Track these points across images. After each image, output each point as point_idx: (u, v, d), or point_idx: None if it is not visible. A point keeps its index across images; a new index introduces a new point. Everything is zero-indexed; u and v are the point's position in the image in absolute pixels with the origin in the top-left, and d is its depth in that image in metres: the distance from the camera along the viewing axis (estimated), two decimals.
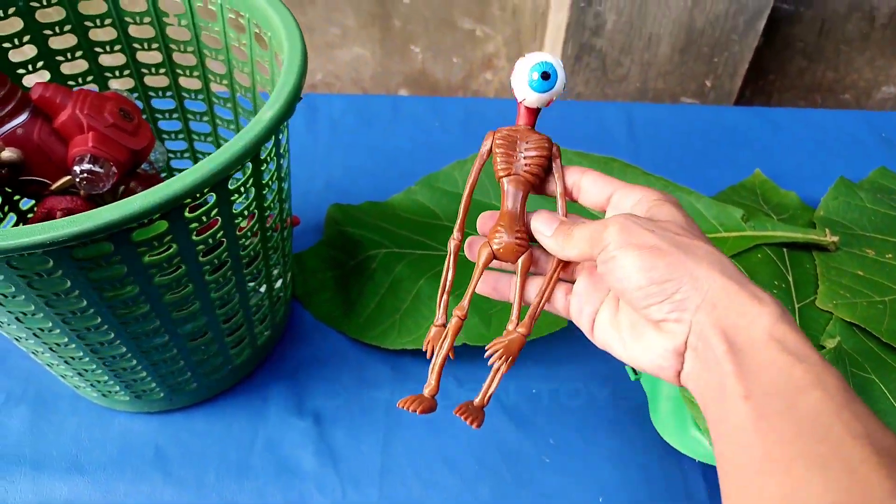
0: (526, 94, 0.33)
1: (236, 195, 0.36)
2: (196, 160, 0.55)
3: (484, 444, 0.47)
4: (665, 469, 0.46)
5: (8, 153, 0.39)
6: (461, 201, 0.35)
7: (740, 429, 0.27)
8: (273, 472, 0.46)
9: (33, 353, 0.42)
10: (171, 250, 0.34)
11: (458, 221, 0.35)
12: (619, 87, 0.82)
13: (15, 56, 0.45)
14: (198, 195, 0.33)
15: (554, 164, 0.35)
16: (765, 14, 0.75)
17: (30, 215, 0.50)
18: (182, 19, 0.46)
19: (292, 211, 0.61)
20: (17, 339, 0.40)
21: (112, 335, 0.38)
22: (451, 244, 0.35)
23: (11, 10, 0.43)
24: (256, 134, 0.32)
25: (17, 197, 0.49)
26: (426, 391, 0.35)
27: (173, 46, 0.47)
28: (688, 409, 0.43)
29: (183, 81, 0.50)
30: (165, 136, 0.53)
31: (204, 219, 0.34)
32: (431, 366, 0.35)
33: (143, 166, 0.44)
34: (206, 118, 0.52)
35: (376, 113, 0.71)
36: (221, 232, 0.36)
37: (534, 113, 0.34)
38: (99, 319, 0.36)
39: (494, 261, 0.35)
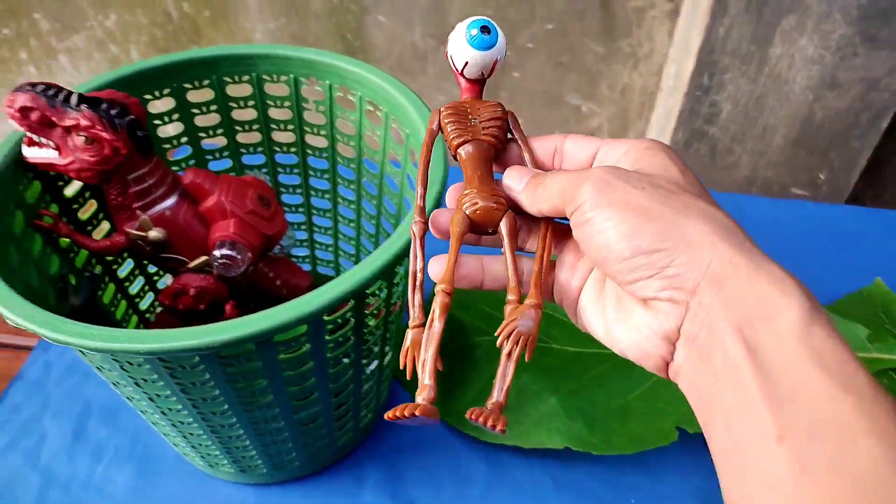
0: (467, 54, 0.29)
1: (370, 298, 0.36)
2: (311, 226, 0.56)
3: None
4: None
5: (155, 233, 0.41)
6: (417, 178, 0.30)
7: (774, 479, 0.21)
8: None
9: (153, 423, 0.43)
10: (304, 349, 0.35)
11: (418, 201, 0.30)
12: (728, 174, 0.81)
13: (162, 132, 0.48)
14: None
15: (513, 129, 0.31)
16: (890, 113, 0.73)
17: (155, 278, 0.53)
18: (320, 105, 0.47)
19: None
20: (142, 412, 0.42)
21: (234, 420, 0.39)
22: (415, 228, 0.29)
23: (167, 91, 0.46)
24: (397, 250, 0.33)
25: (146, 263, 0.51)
26: (421, 397, 0.26)
27: (307, 129, 0.49)
28: None
29: (311, 161, 0.52)
30: (287, 209, 0.55)
31: (339, 321, 0.35)
32: (421, 362, 0.27)
33: (273, 249, 0.46)
34: (328, 195, 0.53)
35: None
36: (351, 332, 0.37)
37: (478, 84, 0.30)
38: (226, 406, 0.37)
39: (477, 237, 0.30)
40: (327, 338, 0.36)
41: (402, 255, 0.33)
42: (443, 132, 0.30)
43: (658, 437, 0.47)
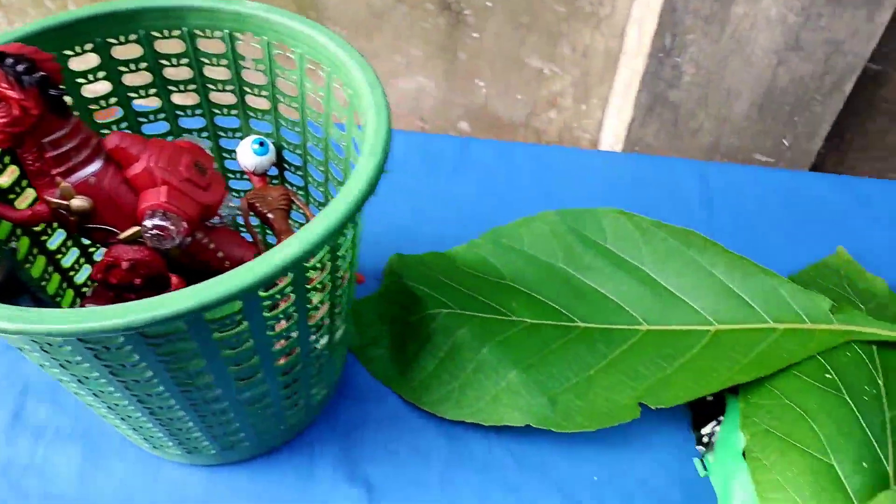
0: (253, 160, 0.46)
1: (312, 271, 0.34)
2: None
3: None
4: None
5: (78, 201, 0.37)
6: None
7: None
8: None
9: (88, 405, 0.40)
10: (241, 327, 0.33)
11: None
12: (692, 140, 0.79)
13: (88, 91, 0.44)
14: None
15: (296, 201, 0.46)
16: (854, 76, 0.72)
17: (92, 249, 0.49)
18: (259, 64, 0.44)
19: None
20: (75, 394, 0.39)
21: (173, 402, 0.36)
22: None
23: (89, 47, 0.42)
24: (340, 217, 0.30)
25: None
26: None
27: (247, 89, 0.46)
28: None
29: (254, 124, 0.48)
30: (231, 175, 0.52)
31: (278, 296, 0.33)
32: None
33: (213, 220, 0.42)
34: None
35: (440, 154, 0.69)
36: (294, 307, 0.34)
37: (264, 177, 0.48)
38: (161, 388, 0.35)
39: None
40: (267, 315, 0.33)
41: (345, 223, 0.31)
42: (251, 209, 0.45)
43: (621, 412, 0.45)
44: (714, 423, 0.48)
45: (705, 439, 0.48)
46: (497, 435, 0.49)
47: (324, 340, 0.42)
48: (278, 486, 0.46)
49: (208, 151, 0.43)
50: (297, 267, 0.30)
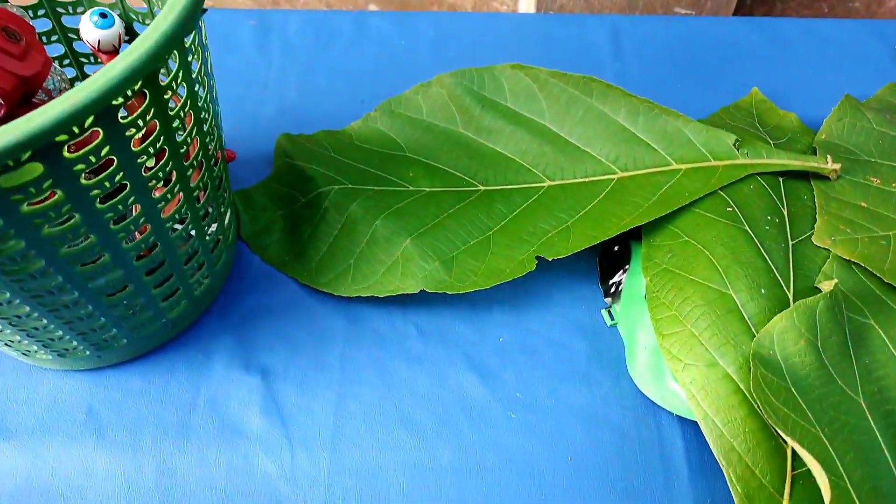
0: (95, 34, 0.39)
1: (133, 130, 0.30)
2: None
3: (445, 401, 0.43)
4: (640, 423, 0.42)
5: None
6: None
7: None
8: (216, 433, 0.42)
9: None
10: (55, 197, 0.29)
11: None
12: (606, 1, 0.75)
13: None
14: (76, 131, 0.27)
15: None
16: None
17: None
18: None
19: (230, 144, 0.55)
20: None
21: (8, 295, 0.33)
22: None
23: None
24: (139, 58, 0.26)
25: None
26: None
27: None
28: (665, 361, 0.39)
29: None
30: (84, 58, 0.47)
31: (92, 159, 0.29)
32: None
33: (39, 95, 0.38)
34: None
35: (336, 31, 0.64)
36: (121, 174, 0.31)
37: (114, 53, 0.40)
38: None
39: None
40: (85, 182, 0.30)
41: (154, 58, 0.27)
42: None
43: (516, 267, 0.43)
44: (620, 272, 0.47)
45: (612, 289, 0.47)
46: (400, 309, 0.47)
47: (194, 233, 0.39)
48: (170, 383, 0.44)
49: (27, 21, 0.38)
50: (101, 117, 0.26)
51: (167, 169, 0.34)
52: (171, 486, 0.40)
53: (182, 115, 0.33)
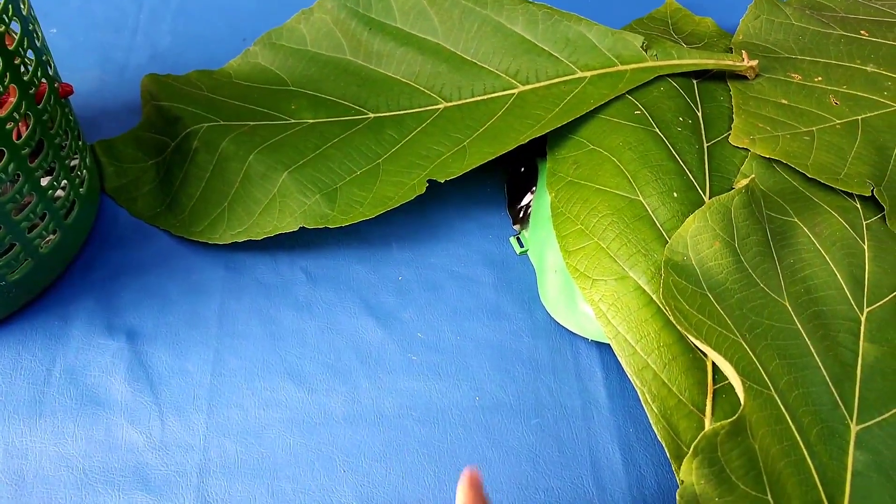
0: None
1: None
2: None
3: (337, 349, 0.38)
4: (555, 354, 0.38)
5: None
6: None
7: None
8: (74, 406, 0.37)
9: None
10: None
11: None
12: None
13: None
14: None
15: None
16: None
17: None
18: None
19: (96, 96, 0.49)
20: None
21: None
22: None
23: None
24: None
25: None
26: None
27: None
28: (573, 280, 0.35)
29: None
30: None
31: None
32: None
33: None
34: None
35: None
36: None
37: None
38: None
39: None
40: None
41: None
42: None
43: (405, 193, 0.39)
44: (528, 194, 0.42)
45: (521, 214, 0.42)
46: (286, 254, 0.42)
47: (27, 170, 0.34)
48: (21, 355, 0.38)
49: None
50: None
51: None
52: (20, 469, 0.35)
53: None
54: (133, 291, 0.40)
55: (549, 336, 0.39)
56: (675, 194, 0.36)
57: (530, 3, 0.44)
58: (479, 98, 0.43)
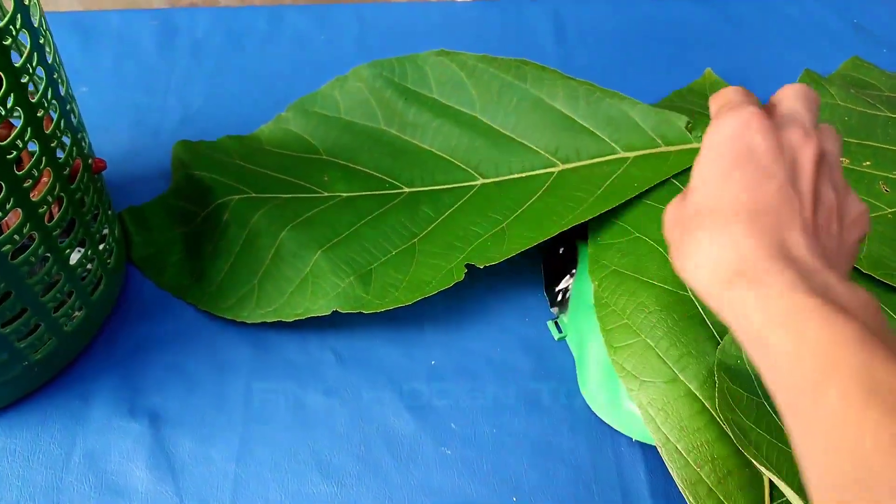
0: None
1: None
2: None
3: (367, 438, 0.37)
4: (596, 452, 0.36)
5: None
6: None
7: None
8: (93, 494, 0.35)
9: None
10: None
11: None
12: None
13: None
14: None
15: None
16: None
17: None
18: None
19: (126, 158, 0.49)
20: None
21: None
22: None
23: None
24: None
25: None
26: None
27: None
28: (619, 378, 0.33)
29: None
30: None
31: None
32: None
33: None
34: None
35: (249, 28, 0.58)
36: None
37: None
38: None
39: None
40: None
41: None
42: None
43: (443, 278, 0.37)
44: (567, 277, 0.41)
45: (559, 297, 0.41)
46: (315, 333, 0.40)
47: (58, 251, 0.33)
48: (40, 437, 0.37)
49: None
50: None
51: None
52: None
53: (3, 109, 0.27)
54: (157, 369, 0.39)
55: (589, 431, 0.37)
56: None
57: (571, 78, 0.44)
58: (517, 175, 0.42)
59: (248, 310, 0.39)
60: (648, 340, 0.33)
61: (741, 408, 0.30)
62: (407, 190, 0.43)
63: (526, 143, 0.43)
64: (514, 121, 0.44)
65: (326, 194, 0.43)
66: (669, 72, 0.55)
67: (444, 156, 0.44)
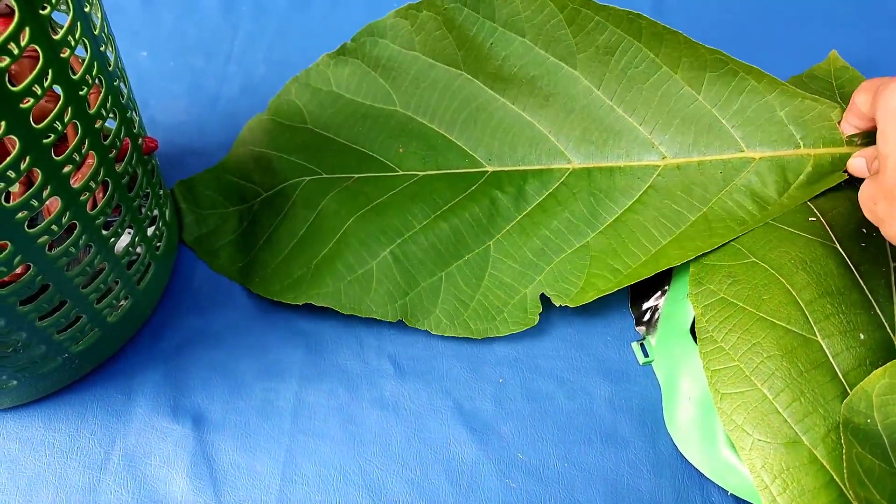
0: None
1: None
2: None
3: (425, 463, 0.33)
4: (681, 499, 0.32)
5: None
6: None
7: None
8: (130, 499, 0.33)
9: None
10: None
11: None
12: None
13: None
14: None
15: None
16: None
17: None
18: None
19: (182, 129, 0.45)
20: None
21: None
22: None
23: None
24: None
25: None
26: None
27: None
28: (718, 420, 0.29)
29: None
30: None
31: None
32: None
33: None
34: None
35: None
36: None
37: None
38: None
39: None
40: None
41: None
42: None
43: (516, 304, 0.33)
44: (658, 294, 0.36)
45: (646, 316, 0.36)
46: (374, 337, 0.37)
47: (101, 240, 0.30)
48: (79, 432, 0.35)
49: None
50: None
51: (23, 163, 0.24)
52: None
53: (40, 87, 0.24)
54: (203, 367, 0.36)
55: (674, 474, 0.32)
56: (862, 336, 0.29)
57: (698, 44, 0.36)
58: (612, 164, 0.36)
59: (296, 291, 0.36)
60: (765, 391, 0.28)
61: (873, 481, 0.25)
62: (490, 169, 0.38)
63: (631, 120, 0.36)
64: (620, 89, 0.37)
65: (401, 173, 0.38)
66: (786, 53, 0.49)
67: (537, 125, 0.38)
